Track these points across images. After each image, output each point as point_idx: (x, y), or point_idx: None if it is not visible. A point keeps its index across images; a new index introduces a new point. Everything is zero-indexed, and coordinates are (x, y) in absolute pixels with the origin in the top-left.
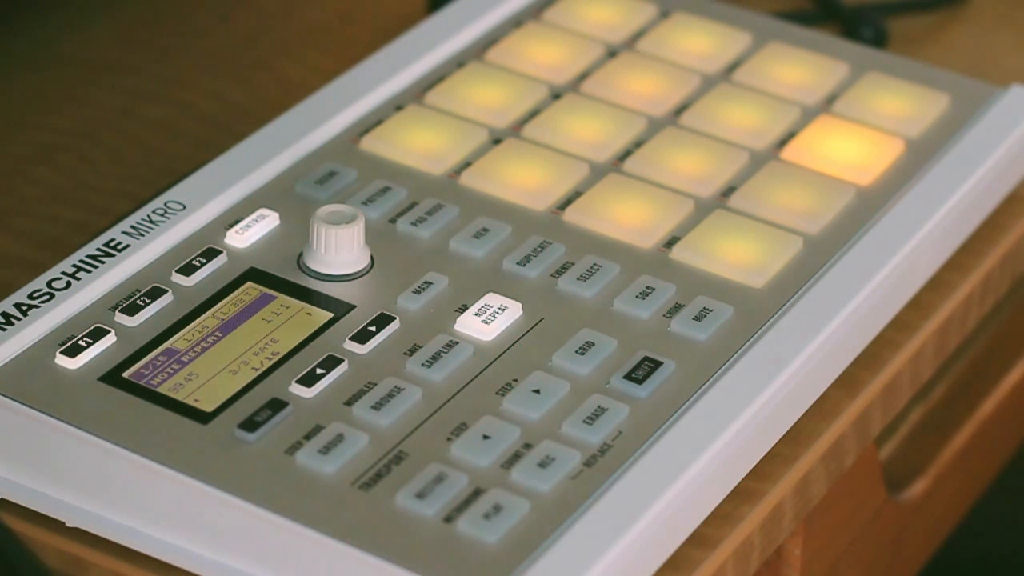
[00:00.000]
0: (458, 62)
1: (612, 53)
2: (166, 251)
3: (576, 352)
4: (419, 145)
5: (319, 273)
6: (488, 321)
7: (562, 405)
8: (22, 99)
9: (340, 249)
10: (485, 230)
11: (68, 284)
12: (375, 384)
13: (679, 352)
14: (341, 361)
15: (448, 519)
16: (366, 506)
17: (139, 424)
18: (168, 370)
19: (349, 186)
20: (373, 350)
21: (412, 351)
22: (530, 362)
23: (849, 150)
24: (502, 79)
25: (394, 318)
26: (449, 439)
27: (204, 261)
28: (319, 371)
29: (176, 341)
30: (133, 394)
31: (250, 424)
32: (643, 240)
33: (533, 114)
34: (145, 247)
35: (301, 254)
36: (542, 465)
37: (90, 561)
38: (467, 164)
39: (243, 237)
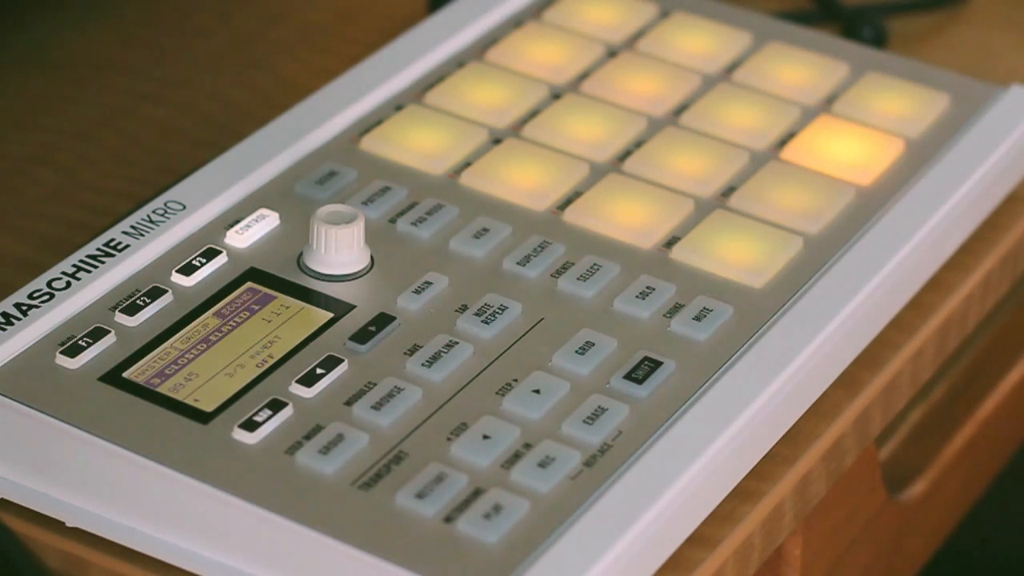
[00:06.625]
0: (458, 62)
1: (612, 53)
2: (166, 251)
3: (576, 352)
4: (419, 145)
5: (319, 273)
6: (488, 321)
7: (562, 405)
8: (22, 99)
9: (340, 249)
10: (485, 230)
11: (68, 284)
12: (375, 384)
13: (679, 352)
14: (341, 361)
15: (448, 519)
16: (366, 506)
17: (139, 424)
18: (168, 370)
19: (349, 186)
20: (373, 350)
21: (412, 351)
22: (530, 362)
23: (849, 150)
24: (502, 79)
25: (394, 318)
26: (449, 439)
27: (204, 261)
28: (319, 371)
29: (176, 341)
30: (133, 394)
31: (250, 424)
32: (643, 240)
33: (533, 114)
34: (145, 247)
35: (301, 254)
36: (542, 465)
37: (90, 561)
38: (467, 164)
39: (243, 237)
